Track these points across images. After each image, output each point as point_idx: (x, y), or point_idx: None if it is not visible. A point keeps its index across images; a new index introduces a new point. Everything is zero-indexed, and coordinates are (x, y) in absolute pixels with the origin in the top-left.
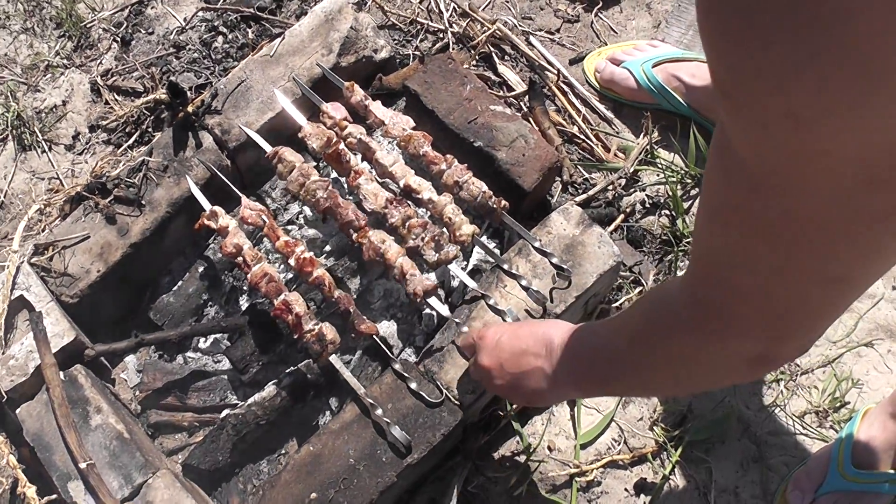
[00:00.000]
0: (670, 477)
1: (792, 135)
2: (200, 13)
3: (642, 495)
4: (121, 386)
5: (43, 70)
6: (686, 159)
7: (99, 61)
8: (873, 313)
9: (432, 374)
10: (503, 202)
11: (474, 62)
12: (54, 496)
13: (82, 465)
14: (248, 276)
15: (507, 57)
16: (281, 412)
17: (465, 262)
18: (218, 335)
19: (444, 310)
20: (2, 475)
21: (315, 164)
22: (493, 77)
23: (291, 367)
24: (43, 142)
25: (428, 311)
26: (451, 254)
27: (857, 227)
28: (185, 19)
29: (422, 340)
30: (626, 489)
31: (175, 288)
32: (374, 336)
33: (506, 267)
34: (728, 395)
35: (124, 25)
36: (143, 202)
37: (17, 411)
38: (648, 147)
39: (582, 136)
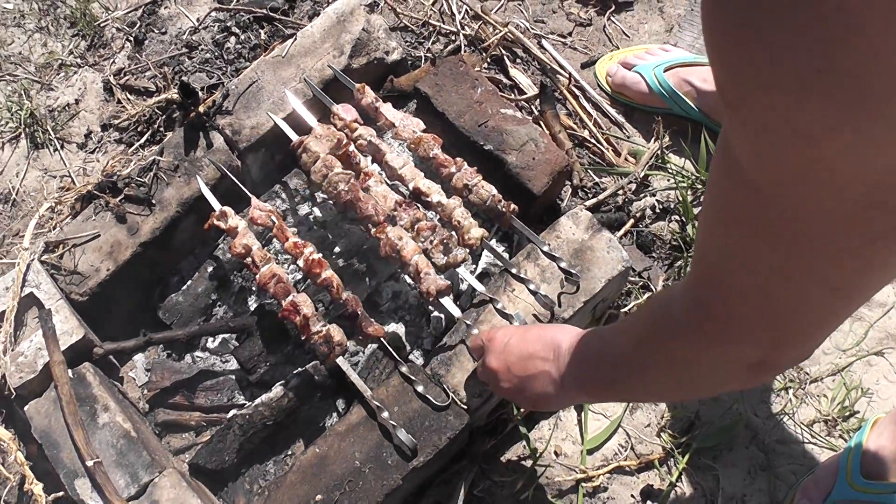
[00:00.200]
0: (677, 484)
1: (795, 151)
2: (213, 13)
3: (649, 502)
4: (129, 384)
5: (56, 69)
6: (697, 164)
7: (112, 60)
8: (884, 322)
9: (439, 377)
10: (512, 206)
11: (486, 65)
12: (61, 493)
13: (89, 463)
14: (257, 276)
15: (518, 60)
16: (288, 413)
17: (474, 266)
18: (226, 335)
19: (456, 310)
20: (9, 472)
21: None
22: (505, 80)
23: (299, 368)
24: (55, 140)
25: (436, 314)
26: (460, 257)
27: (857, 243)
28: (198, 19)
29: (430, 343)
30: (632, 495)
31: (184, 287)
32: (382, 338)
33: (514, 271)
34: (736, 402)
35: (138, 25)
36: (153, 201)
37: (26, 408)
38: (659, 152)
39: (593, 140)
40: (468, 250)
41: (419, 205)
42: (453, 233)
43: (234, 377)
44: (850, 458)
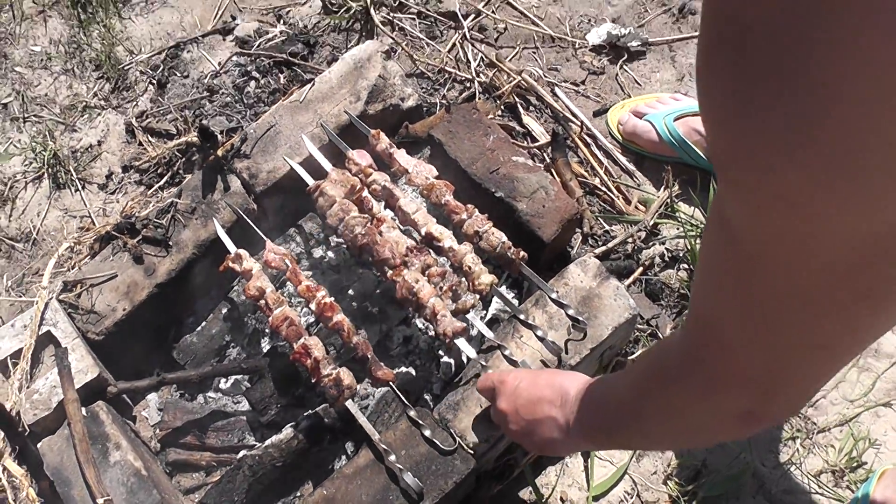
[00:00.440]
0: None
1: (781, 215)
2: (235, 58)
3: None
4: (141, 423)
5: (81, 110)
6: (706, 213)
7: (135, 103)
8: (891, 373)
9: (446, 421)
10: (522, 253)
11: (500, 112)
12: None
13: (100, 501)
14: (270, 319)
15: (531, 107)
16: (297, 454)
17: (484, 312)
18: (238, 376)
19: (472, 351)
20: None
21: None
22: (518, 127)
23: (309, 411)
24: (77, 180)
25: (445, 359)
26: (470, 303)
27: (842, 303)
28: (219, 63)
29: (439, 388)
30: None
31: (199, 328)
32: (391, 383)
33: (522, 317)
34: (744, 450)
35: (161, 68)
36: (170, 243)
37: (39, 445)
38: (669, 200)
39: (603, 188)
40: (478, 296)
41: (431, 250)
42: (464, 279)
43: (245, 418)
44: None
